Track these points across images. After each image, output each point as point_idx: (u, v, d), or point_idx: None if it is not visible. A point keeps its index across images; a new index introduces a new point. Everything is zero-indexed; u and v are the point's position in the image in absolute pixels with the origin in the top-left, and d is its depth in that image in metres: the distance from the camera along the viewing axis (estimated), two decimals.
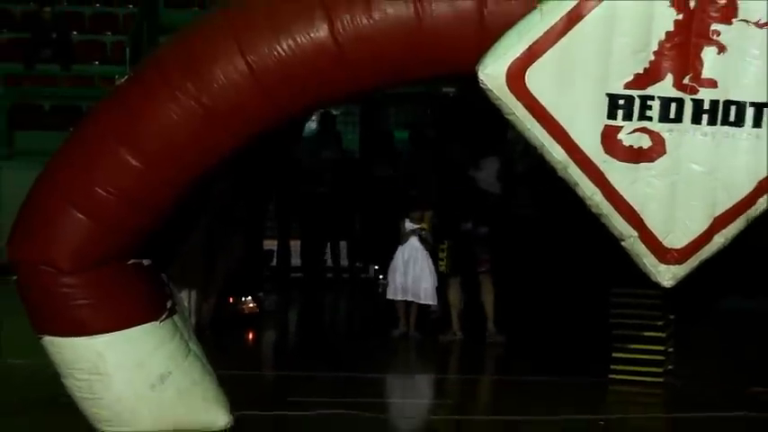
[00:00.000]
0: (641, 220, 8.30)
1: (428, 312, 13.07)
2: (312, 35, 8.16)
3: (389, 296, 12.93)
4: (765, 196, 8.29)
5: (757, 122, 8.17)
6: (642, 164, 8.23)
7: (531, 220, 12.41)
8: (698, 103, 8.16)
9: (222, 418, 8.79)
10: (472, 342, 12.25)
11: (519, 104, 8.13)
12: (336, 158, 17.67)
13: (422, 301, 12.75)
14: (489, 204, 12.21)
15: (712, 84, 8.16)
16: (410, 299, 12.76)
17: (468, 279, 12.55)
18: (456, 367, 12.10)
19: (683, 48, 8.12)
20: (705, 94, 8.15)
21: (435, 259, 12.75)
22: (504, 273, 12.42)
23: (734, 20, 8.11)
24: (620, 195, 8.27)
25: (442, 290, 12.73)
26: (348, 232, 17.54)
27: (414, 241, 12.73)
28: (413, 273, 12.61)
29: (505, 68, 8.07)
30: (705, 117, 8.18)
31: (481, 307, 12.54)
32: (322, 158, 17.29)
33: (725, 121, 8.19)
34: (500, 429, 9.40)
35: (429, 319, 13.22)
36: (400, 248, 12.80)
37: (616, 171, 8.23)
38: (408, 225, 12.77)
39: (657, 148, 8.21)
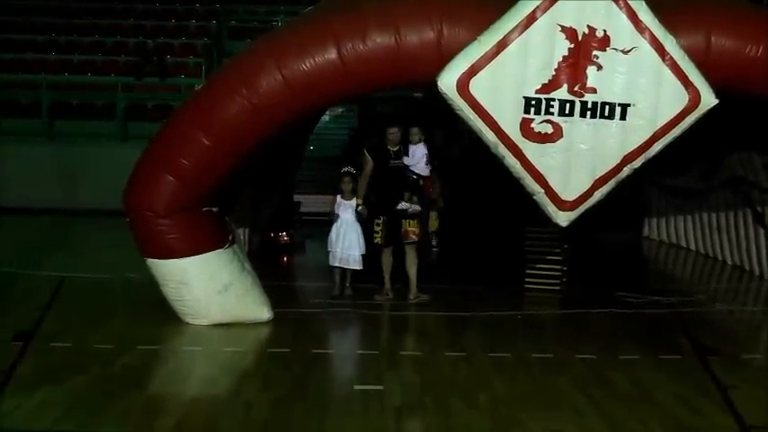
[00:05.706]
0: (546, 181, 8.26)
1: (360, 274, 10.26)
2: (326, 56, 8.05)
3: (331, 263, 10.24)
4: (628, 166, 8.27)
5: (623, 116, 8.14)
6: (547, 144, 8.18)
7: (474, 183, 12.19)
8: (584, 104, 8.10)
9: (266, 313, 8.76)
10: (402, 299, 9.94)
11: (465, 104, 8.06)
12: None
13: (350, 267, 10.14)
14: (419, 185, 9.88)
15: (593, 90, 8.09)
16: (341, 265, 10.14)
17: (398, 249, 9.97)
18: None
19: (574, 66, 8.05)
20: (588, 98, 8.10)
21: (371, 232, 10.02)
22: (457, 218, 12.03)
23: (607, 48, 8.05)
24: (533, 165, 8.22)
25: (376, 258, 10.03)
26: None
27: (346, 215, 10.11)
28: (343, 244, 10.10)
29: (456, 79, 8.00)
30: (588, 113, 8.12)
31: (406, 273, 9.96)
32: None
33: (601, 116, 8.13)
34: (445, 322, 9.29)
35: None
36: (335, 224, 10.20)
37: (530, 149, 8.18)
38: (339, 200, 10.18)
39: (557, 134, 8.15)
